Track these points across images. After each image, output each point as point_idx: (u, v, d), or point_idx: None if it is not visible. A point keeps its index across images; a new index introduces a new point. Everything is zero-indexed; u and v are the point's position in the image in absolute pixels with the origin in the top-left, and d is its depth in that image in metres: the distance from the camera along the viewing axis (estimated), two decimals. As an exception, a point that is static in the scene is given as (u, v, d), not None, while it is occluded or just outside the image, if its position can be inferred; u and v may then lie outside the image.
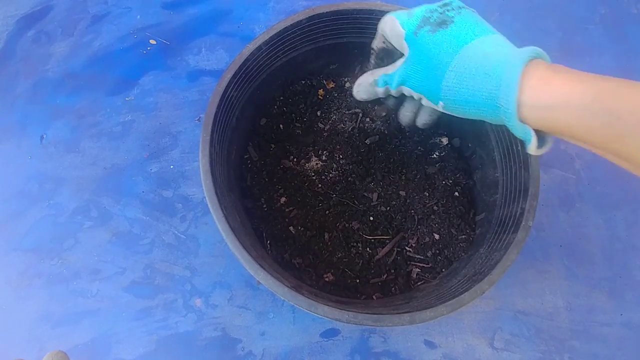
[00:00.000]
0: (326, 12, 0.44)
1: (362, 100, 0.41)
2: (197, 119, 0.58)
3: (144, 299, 0.49)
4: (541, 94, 0.28)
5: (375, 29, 0.47)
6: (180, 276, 0.50)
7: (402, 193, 0.48)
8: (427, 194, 0.48)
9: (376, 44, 0.40)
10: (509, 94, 0.28)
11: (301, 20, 0.44)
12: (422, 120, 0.40)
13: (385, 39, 0.38)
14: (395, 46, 0.37)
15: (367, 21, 0.46)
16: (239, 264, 0.35)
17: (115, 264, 0.51)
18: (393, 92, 0.37)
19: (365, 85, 0.39)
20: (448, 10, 0.33)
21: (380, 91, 0.38)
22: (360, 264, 0.46)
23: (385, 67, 0.38)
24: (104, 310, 0.49)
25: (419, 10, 0.34)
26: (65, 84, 0.60)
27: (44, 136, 0.57)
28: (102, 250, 0.51)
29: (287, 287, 0.34)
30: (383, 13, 0.44)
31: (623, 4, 0.66)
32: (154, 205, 0.53)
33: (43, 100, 0.59)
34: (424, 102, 0.36)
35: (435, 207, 0.48)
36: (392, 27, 0.35)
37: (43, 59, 0.61)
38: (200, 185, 0.37)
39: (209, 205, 0.36)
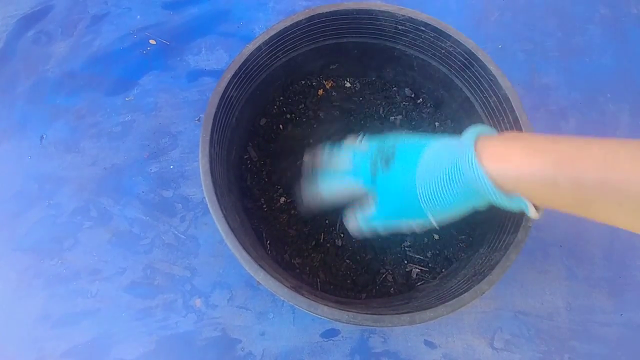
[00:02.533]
0: (326, 12, 0.44)
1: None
2: (197, 119, 0.58)
3: (144, 299, 0.49)
4: (505, 172, 0.28)
5: (375, 29, 0.47)
6: (180, 276, 0.50)
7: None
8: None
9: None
10: (482, 183, 0.29)
11: (301, 21, 0.44)
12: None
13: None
14: (359, 193, 0.39)
15: (367, 21, 0.46)
16: (239, 264, 0.35)
17: (115, 264, 0.51)
18: (381, 231, 0.40)
19: (353, 224, 0.40)
20: (384, 150, 0.36)
21: (368, 234, 0.40)
22: (360, 264, 0.46)
23: (360, 210, 0.39)
24: (104, 310, 0.49)
25: (364, 162, 0.37)
26: (65, 84, 0.60)
27: (44, 136, 0.57)
28: (102, 250, 0.51)
29: (287, 287, 0.34)
30: (383, 13, 0.44)
31: (623, 4, 0.66)
32: (153, 206, 0.53)
33: (43, 100, 0.59)
34: (416, 225, 0.37)
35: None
36: (351, 187, 0.38)
37: (43, 59, 0.61)
38: (200, 186, 0.37)
39: (209, 206, 0.36)
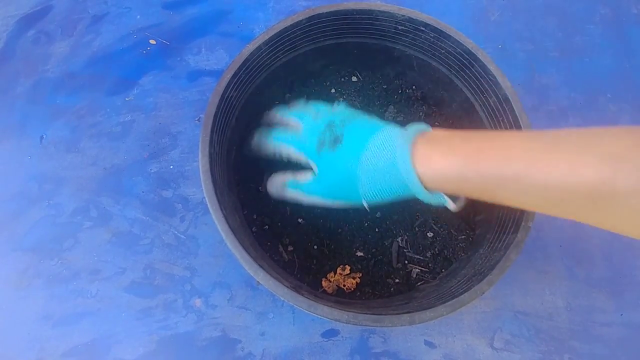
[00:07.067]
0: (326, 12, 0.44)
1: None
2: (197, 119, 0.58)
3: (143, 299, 0.49)
4: (429, 172, 0.32)
5: (375, 29, 0.47)
6: (180, 276, 0.50)
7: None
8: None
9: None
10: (412, 182, 0.33)
11: (301, 21, 0.44)
12: None
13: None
14: (297, 159, 0.41)
15: (367, 21, 0.46)
16: (238, 264, 0.35)
17: (115, 264, 0.51)
18: (305, 200, 0.40)
19: (277, 185, 0.42)
20: (334, 128, 0.37)
21: (289, 194, 0.41)
22: (360, 264, 0.46)
23: (295, 174, 0.41)
24: (104, 310, 0.49)
25: (312, 136, 0.39)
26: (65, 84, 0.60)
27: (44, 136, 0.57)
28: (102, 250, 0.51)
29: (287, 287, 0.34)
30: (383, 13, 0.44)
31: (623, 4, 0.66)
32: (153, 206, 0.53)
33: (43, 100, 0.59)
34: (344, 205, 0.39)
35: (435, 207, 0.47)
36: (293, 154, 0.41)
37: (43, 59, 0.61)
38: (200, 186, 0.37)
39: (209, 206, 0.36)
